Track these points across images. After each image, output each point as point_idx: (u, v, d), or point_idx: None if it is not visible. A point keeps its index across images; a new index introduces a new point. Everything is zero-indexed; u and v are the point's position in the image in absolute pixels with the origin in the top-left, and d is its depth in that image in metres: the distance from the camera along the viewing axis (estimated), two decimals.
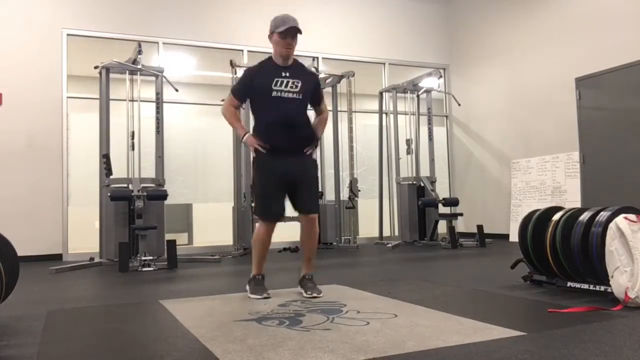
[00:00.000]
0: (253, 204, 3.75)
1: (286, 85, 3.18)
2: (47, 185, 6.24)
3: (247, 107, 6.03)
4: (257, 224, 3.35)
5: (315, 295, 3.15)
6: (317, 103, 3.43)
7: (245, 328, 2.40)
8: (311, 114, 3.45)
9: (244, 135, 3.27)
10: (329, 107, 7.24)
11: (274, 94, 3.16)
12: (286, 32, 3.11)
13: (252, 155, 3.31)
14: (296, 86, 3.20)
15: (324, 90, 7.21)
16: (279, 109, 3.18)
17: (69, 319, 2.80)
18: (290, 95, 3.19)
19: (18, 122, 6.17)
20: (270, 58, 3.27)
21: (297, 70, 3.28)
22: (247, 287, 3.27)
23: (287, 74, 3.20)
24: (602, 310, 2.56)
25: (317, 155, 3.57)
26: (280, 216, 3.24)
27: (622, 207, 2.86)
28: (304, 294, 3.20)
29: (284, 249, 6.67)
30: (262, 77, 3.20)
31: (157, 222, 5.42)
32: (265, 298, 3.10)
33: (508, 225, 7.43)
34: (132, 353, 2.08)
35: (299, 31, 3.15)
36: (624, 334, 2.12)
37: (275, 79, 3.17)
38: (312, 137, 3.33)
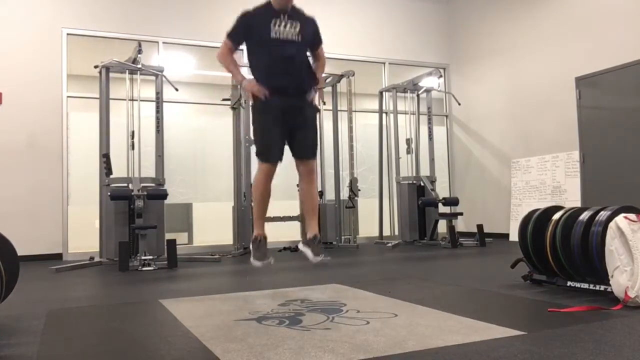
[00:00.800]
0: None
1: (285, 26, 3.12)
2: (47, 184, 6.24)
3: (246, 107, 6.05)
4: (255, 172, 3.26)
5: (325, 259, 3.11)
6: (315, 48, 3.36)
7: (245, 327, 2.40)
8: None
9: (242, 80, 3.21)
10: (329, 106, 7.31)
11: (273, 35, 3.09)
12: None
13: (249, 99, 3.26)
14: (295, 28, 3.14)
15: (324, 90, 7.29)
16: (278, 50, 3.11)
17: (69, 318, 2.80)
18: (289, 37, 3.13)
19: (18, 121, 6.17)
20: (268, 2, 3.21)
21: (296, 13, 3.23)
22: (250, 248, 3.21)
23: (285, 16, 3.15)
24: (602, 309, 2.56)
25: (317, 100, 3.51)
26: (280, 158, 3.18)
27: (622, 206, 2.85)
28: (311, 258, 3.14)
29: (284, 249, 6.67)
30: (260, 18, 3.14)
31: (157, 222, 5.42)
32: (266, 265, 3.05)
33: (508, 224, 7.43)
34: (132, 352, 2.08)
35: None
36: (624, 333, 2.12)
37: (274, 19, 3.11)
38: (312, 80, 3.26)
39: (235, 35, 3.23)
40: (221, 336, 2.25)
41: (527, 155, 7.29)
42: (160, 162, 5.82)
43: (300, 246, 3.29)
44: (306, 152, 3.23)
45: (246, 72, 3.48)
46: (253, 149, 3.33)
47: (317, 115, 3.41)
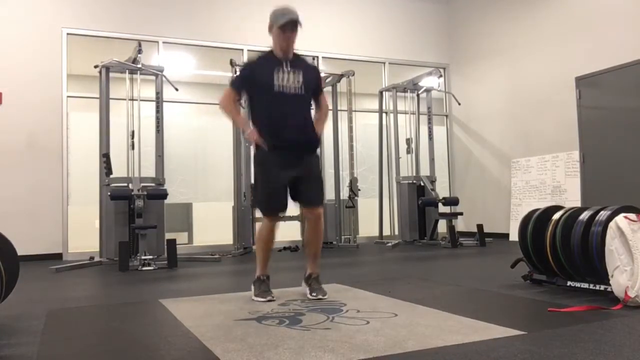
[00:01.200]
0: (252, 201, 3.58)
1: (288, 80, 3.10)
2: (47, 184, 6.24)
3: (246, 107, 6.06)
4: (259, 223, 3.27)
5: (320, 297, 3.07)
6: (317, 95, 3.35)
7: (245, 327, 2.40)
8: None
9: (246, 128, 3.20)
10: (330, 106, 7.29)
11: (276, 88, 3.07)
12: (285, 25, 3.04)
13: (252, 150, 3.23)
14: (298, 80, 3.13)
15: (324, 89, 7.29)
16: (281, 105, 3.10)
17: (69, 318, 2.80)
18: (292, 90, 3.11)
19: (18, 121, 6.17)
20: (270, 51, 3.19)
21: (298, 62, 3.20)
22: (252, 288, 3.19)
23: (288, 67, 3.13)
24: (602, 309, 2.56)
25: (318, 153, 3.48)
26: (283, 211, 3.16)
27: (622, 206, 2.86)
28: (309, 295, 3.12)
29: (284, 248, 6.67)
30: (263, 71, 3.12)
31: (157, 222, 5.42)
32: (269, 301, 3.01)
33: (508, 224, 7.43)
34: (132, 352, 2.08)
35: (299, 23, 3.08)
36: (624, 333, 2.12)
37: (277, 73, 3.09)
38: (316, 137, 3.25)
39: (240, 86, 3.23)
40: (221, 336, 2.25)
41: (527, 155, 7.29)
42: (160, 162, 5.82)
43: (303, 285, 3.28)
44: (312, 201, 3.20)
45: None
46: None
47: (320, 162, 3.38)
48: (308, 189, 3.17)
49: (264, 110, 3.16)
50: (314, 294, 3.11)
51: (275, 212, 3.15)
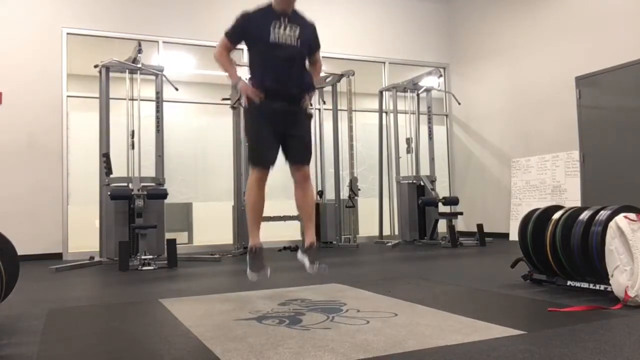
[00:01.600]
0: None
1: (284, 30, 3.10)
2: (47, 184, 6.24)
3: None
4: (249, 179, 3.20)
5: (322, 271, 3.04)
6: (313, 51, 3.34)
7: (245, 327, 2.40)
8: None
9: (238, 81, 3.18)
10: (329, 106, 7.31)
11: (272, 38, 3.07)
12: None
13: (244, 102, 3.18)
14: (294, 32, 3.13)
15: (324, 89, 7.30)
16: (276, 54, 3.09)
17: (69, 318, 2.80)
18: (288, 40, 3.11)
19: (18, 121, 6.17)
20: (270, 4, 3.18)
21: (296, 17, 3.21)
22: (247, 258, 3.12)
23: (286, 20, 3.13)
24: (602, 309, 2.56)
25: (312, 107, 3.45)
26: (273, 163, 3.14)
27: (622, 206, 2.86)
28: (308, 269, 3.09)
29: (284, 248, 6.67)
30: (260, 20, 3.12)
31: (157, 221, 5.42)
32: (263, 276, 2.94)
33: (508, 224, 7.43)
34: (132, 352, 2.08)
35: None
36: (624, 333, 2.12)
37: (274, 22, 3.09)
38: (309, 86, 3.23)
39: (233, 35, 3.22)
40: (221, 336, 2.25)
41: (527, 155, 7.29)
42: (160, 161, 5.82)
43: (299, 255, 3.23)
44: (301, 158, 3.19)
45: (245, 73, 3.46)
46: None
47: (311, 121, 3.36)
48: (296, 146, 3.17)
49: (258, 61, 3.16)
50: (315, 264, 3.05)
51: (264, 162, 3.12)
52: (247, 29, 3.16)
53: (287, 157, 3.21)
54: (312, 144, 3.33)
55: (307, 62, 3.33)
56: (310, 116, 3.32)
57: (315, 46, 3.36)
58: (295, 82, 3.15)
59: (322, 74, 7.18)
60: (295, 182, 3.24)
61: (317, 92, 7.20)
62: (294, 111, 3.16)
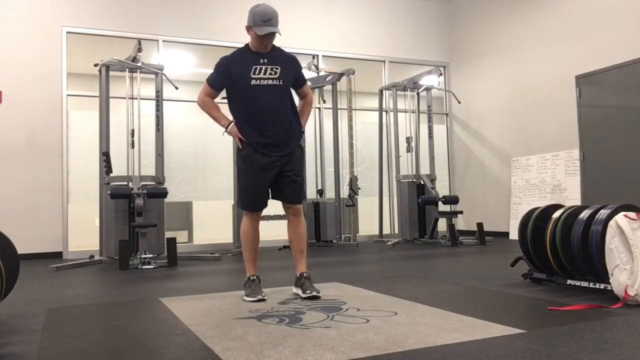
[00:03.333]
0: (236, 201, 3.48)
1: (265, 72, 3.06)
2: (47, 182, 6.24)
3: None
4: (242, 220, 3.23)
5: (315, 294, 3.05)
6: (299, 86, 3.30)
7: (245, 326, 2.40)
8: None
9: (228, 125, 3.15)
10: (329, 104, 7.30)
11: (253, 82, 3.04)
12: (264, 36, 3.01)
13: (236, 144, 3.16)
14: (275, 72, 3.08)
15: (324, 88, 7.30)
16: (259, 99, 3.06)
17: (69, 316, 2.81)
18: (270, 82, 3.07)
19: (18, 119, 6.17)
20: (247, 45, 3.15)
21: (275, 55, 3.15)
22: (244, 288, 3.15)
23: (265, 60, 3.09)
24: (602, 308, 2.56)
25: (304, 142, 3.44)
26: (264, 206, 3.16)
27: (622, 205, 2.86)
28: (302, 295, 3.09)
29: (284, 247, 6.67)
30: (240, 65, 3.08)
31: (157, 220, 5.42)
32: (259, 300, 2.97)
33: (508, 223, 7.43)
34: (132, 350, 2.08)
35: (278, 33, 3.03)
36: (624, 331, 2.12)
37: (254, 67, 3.05)
38: (297, 130, 3.20)
39: (215, 82, 3.18)
40: (221, 334, 2.25)
41: (527, 154, 7.29)
42: (160, 160, 5.82)
43: (293, 290, 3.22)
44: (293, 199, 3.19)
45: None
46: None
47: (303, 156, 3.34)
48: (286, 188, 3.16)
49: (242, 105, 3.13)
50: (307, 292, 3.07)
51: (256, 208, 3.15)
52: (228, 76, 3.12)
53: (280, 195, 3.19)
54: (304, 182, 3.29)
55: (292, 98, 3.26)
56: (301, 155, 3.29)
57: (301, 81, 3.30)
58: (282, 128, 3.12)
59: (322, 73, 7.21)
60: (287, 217, 3.25)
61: (317, 90, 7.21)
62: (285, 156, 3.14)
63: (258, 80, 3.06)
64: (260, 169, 3.10)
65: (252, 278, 3.16)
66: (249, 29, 3.07)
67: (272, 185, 3.17)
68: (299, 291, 3.13)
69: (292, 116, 3.20)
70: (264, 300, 3.00)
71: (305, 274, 3.18)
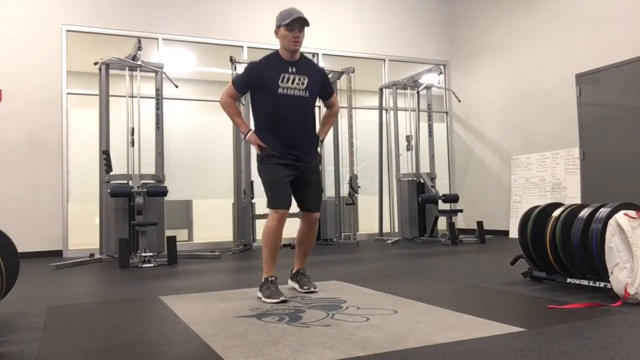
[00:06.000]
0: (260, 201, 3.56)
1: (292, 82, 3.08)
2: (47, 181, 6.24)
3: (247, 103, 6.06)
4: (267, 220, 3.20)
5: (312, 289, 3.14)
6: (327, 97, 3.36)
7: (245, 324, 2.40)
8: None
9: (247, 132, 3.17)
10: None
11: (280, 91, 3.06)
12: (293, 22, 3.01)
13: (256, 151, 3.18)
14: (303, 83, 3.11)
15: None
16: (284, 108, 3.08)
17: (69, 315, 2.81)
18: (296, 92, 3.10)
19: (18, 118, 6.16)
20: (276, 52, 3.17)
21: (304, 65, 3.18)
22: (259, 293, 3.07)
23: (294, 70, 3.10)
24: (602, 306, 2.56)
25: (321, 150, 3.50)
26: (289, 203, 3.15)
27: (622, 203, 2.86)
28: (300, 289, 3.20)
29: (285, 245, 6.67)
30: (269, 72, 3.09)
31: (157, 219, 5.42)
32: (282, 302, 2.90)
33: (508, 221, 7.44)
34: (132, 349, 2.08)
35: (306, 22, 3.05)
36: (624, 330, 2.13)
37: (282, 75, 3.07)
38: (316, 140, 3.26)
39: (242, 85, 3.19)
40: (221, 333, 2.25)
41: (527, 152, 7.29)
42: (160, 159, 5.82)
43: (289, 283, 3.34)
44: (312, 206, 3.24)
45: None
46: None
47: (320, 165, 3.42)
48: (307, 195, 3.21)
49: (266, 112, 3.15)
50: (305, 287, 3.18)
51: (283, 204, 3.11)
52: (255, 80, 3.13)
53: (299, 202, 3.23)
54: (322, 191, 3.36)
55: (315, 110, 3.32)
56: (319, 162, 3.36)
57: (329, 92, 3.36)
58: (303, 136, 3.15)
59: None
60: (303, 224, 3.28)
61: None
62: (304, 163, 3.17)
63: (285, 90, 3.08)
64: (281, 167, 3.10)
65: (270, 279, 3.07)
66: (277, 31, 3.11)
67: (295, 191, 3.19)
68: (296, 285, 3.26)
69: (313, 127, 3.25)
70: (286, 301, 2.93)
71: (302, 270, 3.31)
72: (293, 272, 3.35)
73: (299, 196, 3.22)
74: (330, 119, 3.42)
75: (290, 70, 3.10)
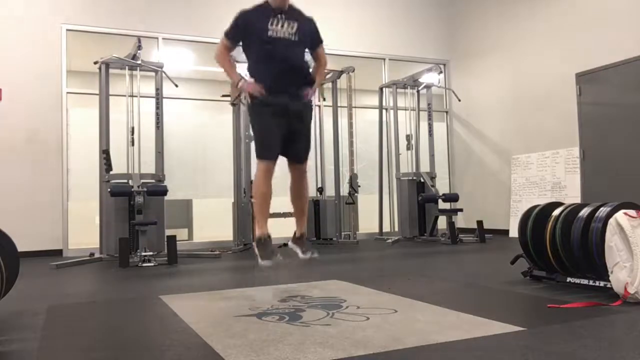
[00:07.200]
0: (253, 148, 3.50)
1: (282, 26, 3.12)
2: (47, 180, 6.24)
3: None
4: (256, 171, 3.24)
5: (314, 256, 3.20)
6: (315, 47, 3.36)
7: (245, 323, 2.40)
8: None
9: (239, 81, 3.19)
10: (329, 102, 7.30)
11: (270, 33, 3.09)
12: None
13: (247, 99, 3.20)
14: (292, 27, 3.14)
15: (324, 86, 7.29)
16: (275, 50, 3.11)
17: (69, 314, 2.81)
18: (286, 35, 3.13)
19: (18, 117, 6.16)
20: (266, 1, 3.20)
21: (294, 12, 3.23)
22: (256, 251, 3.14)
23: (283, 17, 3.15)
24: (602, 305, 2.56)
25: (314, 99, 3.49)
26: (277, 154, 3.18)
27: (621, 202, 2.86)
28: (301, 255, 3.23)
29: (284, 244, 6.66)
30: (257, 17, 3.14)
31: (157, 218, 5.42)
32: (276, 263, 2.97)
33: (508, 220, 7.43)
34: (132, 348, 2.08)
35: None
36: (623, 329, 2.13)
37: (271, 19, 3.11)
38: (309, 79, 3.26)
39: (233, 34, 3.23)
40: (221, 332, 2.25)
41: (527, 152, 7.29)
42: (160, 158, 5.81)
43: (290, 244, 3.38)
44: (300, 156, 3.27)
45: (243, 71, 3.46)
46: (253, 146, 3.31)
47: (312, 115, 3.39)
48: (294, 146, 3.22)
49: (257, 58, 3.19)
50: (307, 254, 3.23)
51: (272, 154, 3.14)
52: (245, 27, 3.18)
53: (286, 153, 3.24)
54: (311, 141, 3.37)
55: (307, 57, 3.35)
56: (311, 109, 3.35)
57: (317, 41, 3.36)
58: (295, 78, 3.18)
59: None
60: (291, 176, 3.31)
61: (317, 89, 7.20)
62: (295, 107, 3.19)
63: (275, 32, 3.11)
64: (271, 113, 3.11)
65: (263, 238, 3.11)
66: None
67: (283, 142, 3.17)
68: (298, 250, 3.29)
69: (304, 69, 3.26)
70: (279, 260, 3.00)
71: (304, 236, 3.36)
72: (295, 236, 3.37)
73: (285, 147, 3.21)
74: (319, 70, 3.42)
75: (279, 16, 3.14)
